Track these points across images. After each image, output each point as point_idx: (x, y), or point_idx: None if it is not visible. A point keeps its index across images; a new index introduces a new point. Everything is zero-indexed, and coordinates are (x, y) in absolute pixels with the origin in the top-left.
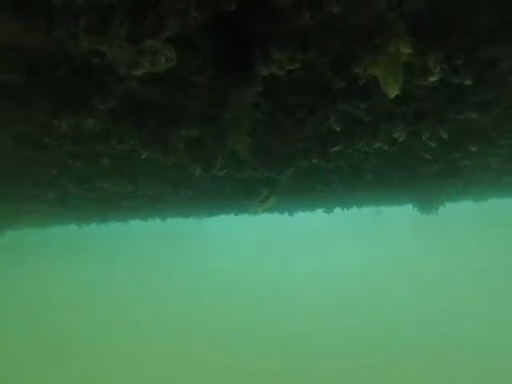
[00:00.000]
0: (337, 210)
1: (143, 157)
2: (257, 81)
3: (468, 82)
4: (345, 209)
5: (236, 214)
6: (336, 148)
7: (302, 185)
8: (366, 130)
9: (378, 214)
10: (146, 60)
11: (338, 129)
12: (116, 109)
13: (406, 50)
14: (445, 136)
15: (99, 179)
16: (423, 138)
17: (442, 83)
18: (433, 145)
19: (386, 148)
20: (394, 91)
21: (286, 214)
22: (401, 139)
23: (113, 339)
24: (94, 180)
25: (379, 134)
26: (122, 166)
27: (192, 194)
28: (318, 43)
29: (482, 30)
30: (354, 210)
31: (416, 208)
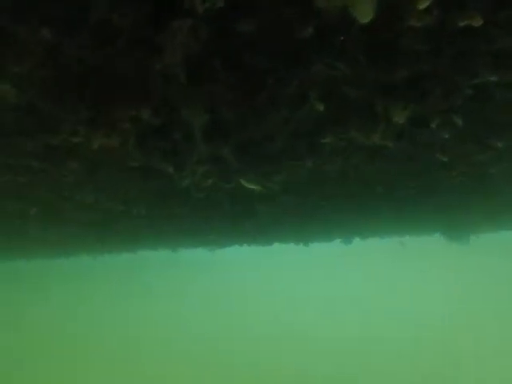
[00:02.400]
0: (356, 240)
1: (95, 146)
2: (184, 12)
3: (477, 23)
4: (365, 239)
5: (249, 245)
6: (326, 139)
7: (304, 200)
8: (358, 111)
9: (402, 245)
10: None
11: (322, 107)
12: (33, 73)
13: None
14: (460, 123)
15: (77, 190)
16: (432, 125)
17: (443, 27)
18: (446, 135)
19: (391, 145)
20: (367, 12)
21: (301, 244)
22: (400, 121)
23: None
24: (71, 192)
25: (375, 118)
26: (96, 172)
27: (189, 214)
28: None
29: None
30: (374, 241)
31: (443, 237)
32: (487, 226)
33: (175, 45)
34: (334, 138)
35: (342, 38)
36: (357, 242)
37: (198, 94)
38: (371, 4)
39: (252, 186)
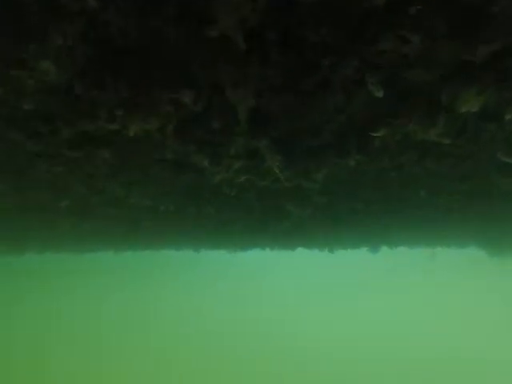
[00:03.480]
0: (384, 249)
1: (131, 134)
2: None
3: None
4: (393, 248)
5: (272, 249)
6: (379, 133)
7: (339, 204)
8: (421, 99)
9: (433, 256)
10: None
11: (381, 94)
12: (78, 47)
13: None
14: None
15: (109, 183)
16: (506, 118)
17: None
18: None
19: (448, 141)
20: None
21: (326, 250)
22: (473, 109)
23: None
24: (103, 183)
25: (439, 108)
26: (129, 163)
27: (216, 214)
28: None
29: None
30: (403, 250)
31: (481, 250)
32: None
33: (229, 12)
34: (388, 132)
35: (420, 6)
36: (384, 250)
37: (248, 74)
38: None
39: (288, 184)
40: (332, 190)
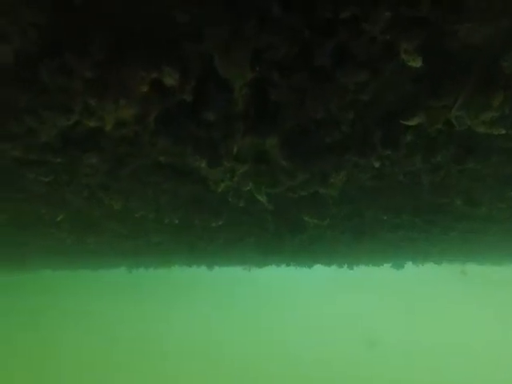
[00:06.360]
0: (409, 264)
1: (109, 128)
2: None
3: None
4: (419, 265)
5: (288, 265)
6: (413, 120)
7: (361, 215)
8: (472, 67)
9: (464, 273)
10: None
11: (419, 63)
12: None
13: None
14: None
15: (103, 193)
16: None
17: None
18: None
19: (502, 131)
20: None
21: (345, 267)
22: None
23: None
24: (97, 195)
25: (496, 79)
26: (120, 170)
27: (226, 228)
28: None
29: None
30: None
31: None
32: None
33: None
34: (424, 119)
35: None
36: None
37: (241, 43)
38: None
39: (303, 192)
40: (353, 198)
